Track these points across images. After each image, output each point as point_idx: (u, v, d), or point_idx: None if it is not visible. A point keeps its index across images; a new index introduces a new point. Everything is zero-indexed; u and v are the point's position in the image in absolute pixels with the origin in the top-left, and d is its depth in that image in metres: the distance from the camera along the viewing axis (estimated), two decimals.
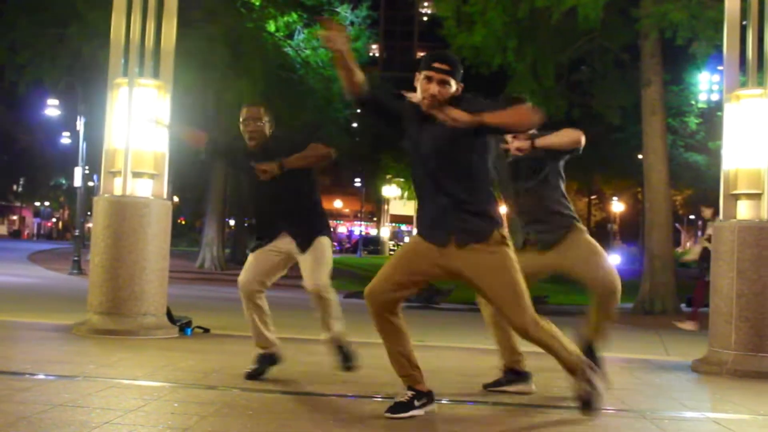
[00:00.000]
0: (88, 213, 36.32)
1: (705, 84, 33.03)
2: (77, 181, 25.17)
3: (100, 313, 7.31)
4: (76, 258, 23.64)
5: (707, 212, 12.91)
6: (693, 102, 32.84)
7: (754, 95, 6.91)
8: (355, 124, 55.89)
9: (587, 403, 4.24)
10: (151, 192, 7.61)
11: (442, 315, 15.60)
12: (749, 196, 6.84)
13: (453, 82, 4.13)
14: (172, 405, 4.30)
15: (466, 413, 4.62)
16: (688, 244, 36.39)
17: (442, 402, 4.74)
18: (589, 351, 5.07)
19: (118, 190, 7.52)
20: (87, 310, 7.45)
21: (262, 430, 3.81)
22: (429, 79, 4.10)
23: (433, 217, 4.21)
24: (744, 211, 6.87)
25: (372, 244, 64.49)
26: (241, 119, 5.33)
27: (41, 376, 4.97)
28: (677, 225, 41.92)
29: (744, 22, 7.09)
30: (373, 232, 73.16)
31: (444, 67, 4.11)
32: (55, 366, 5.44)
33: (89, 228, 31.82)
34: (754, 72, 7.03)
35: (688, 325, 13.00)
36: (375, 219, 74.32)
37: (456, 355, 7.57)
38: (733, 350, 6.63)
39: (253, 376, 5.20)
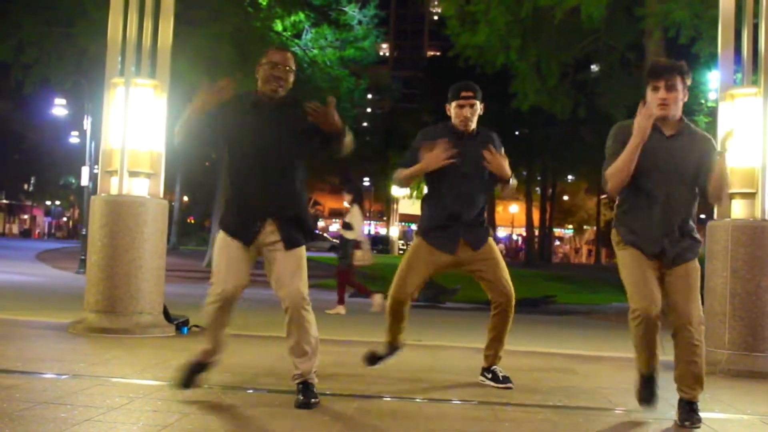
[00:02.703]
0: None
1: (715, 83, 32.86)
2: (84, 180, 25.26)
3: (96, 312, 7.35)
4: (83, 257, 23.70)
5: (347, 197, 12.85)
6: (702, 101, 32.68)
7: (748, 94, 6.91)
8: (365, 124, 56.03)
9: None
10: (148, 191, 7.65)
11: (447, 314, 15.59)
12: (743, 195, 6.83)
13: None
14: (156, 403, 4.33)
15: (451, 411, 4.64)
16: None
17: (433, 400, 4.76)
18: None
19: (114, 190, 7.57)
20: (83, 309, 7.50)
21: (242, 430, 3.84)
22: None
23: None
24: (738, 210, 6.87)
25: (381, 243, 64.50)
26: (265, 61, 4.56)
27: (30, 374, 5.01)
28: None
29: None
30: (382, 231, 73.15)
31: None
32: (45, 364, 5.47)
33: None
34: (749, 71, 7.03)
35: (340, 309, 12.61)
36: (384, 218, 74.36)
37: (451, 354, 7.58)
38: (727, 350, 6.63)
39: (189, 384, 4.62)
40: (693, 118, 31.52)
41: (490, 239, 5.49)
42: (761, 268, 6.61)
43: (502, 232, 74.30)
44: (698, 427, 4.28)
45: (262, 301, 12.04)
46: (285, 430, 3.94)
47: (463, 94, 5.27)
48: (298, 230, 4.54)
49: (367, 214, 68.23)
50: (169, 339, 7.31)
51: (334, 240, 64.28)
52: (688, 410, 4.34)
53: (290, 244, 4.47)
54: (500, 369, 5.49)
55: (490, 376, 5.48)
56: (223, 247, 4.51)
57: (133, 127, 7.57)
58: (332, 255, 49.60)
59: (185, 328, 7.85)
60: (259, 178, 4.48)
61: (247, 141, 4.50)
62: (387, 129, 56.49)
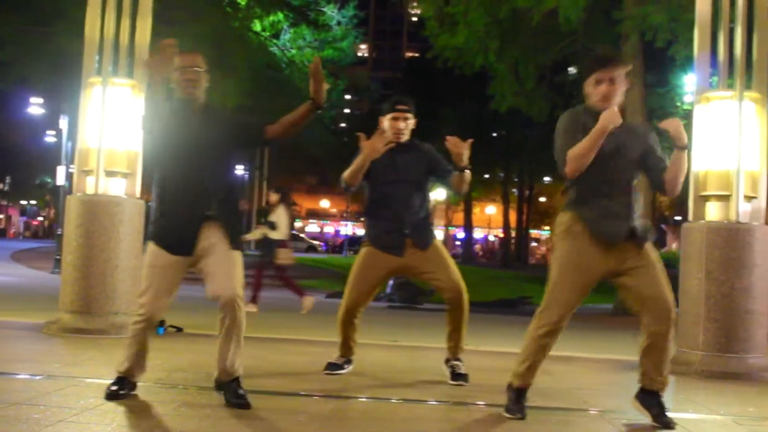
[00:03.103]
0: None
1: (690, 86, 33.08)
2: (60, 180, 25.11)
3: (71, 312, 7.29)
4: (58, 257, 23.55)
5: (273, 197, 12.84)
6: (678, 104, 32.88)
7: (723, 97, 6.96)
8: (342, 124, 55.95)
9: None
10: (124, 191, 7.60)
11: (424, 315, 15.60)
12: (718, 197, 6.88)
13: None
14: (131, 403, 4.30)
15: (427, 412, 4.64)
16: (674, 245, 36.55)
17: (408, 401, 4.77)
18: None
19: (90, 189, 7.51)
20: (58, 309, 7.44)
21: (216, 430, 3.82)
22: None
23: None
24: (713, 212, 6.91)
25: (358, 244, 64.46)
26: (177, 68, 4.40)
27: (3, 375, 4.96)
28: (663, 226, 41.98)
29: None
30: (359, 232, 73.08)
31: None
32: (19, 364, 5.43)
33: None
34: (725, 74, 7.08)
35: (251, 308, 12.14)
36: (362, 219, 74.35)
37: (426, 354, 7.58)
38: (701, 351, 6.68)
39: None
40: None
41: (436, 240, 5.66)
42: (735, 270, 6.66)
43: (478, 234, 74.44)
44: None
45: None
46: (261, 430, 3.93)
47: (399, 107, 5.55)
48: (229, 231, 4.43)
49: (344, 215, 68.19)
50: None
51: (313, 241, 64.36)
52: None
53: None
54: (461, 365, 5.60)
55: (449, 371, 5.59)
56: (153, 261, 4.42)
57: (110, 127, 7.51)
58: (311, 255, 49.64)
59: (161, 329, 7.77)
60: (184, 184, 4.40)
61: (171, 147, 4.44)
62: (365, 130, 56.37)
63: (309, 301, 12.61)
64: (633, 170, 4.39)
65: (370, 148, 5.23)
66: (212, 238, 4.36)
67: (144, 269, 4.46)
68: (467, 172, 5.35)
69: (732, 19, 7.07)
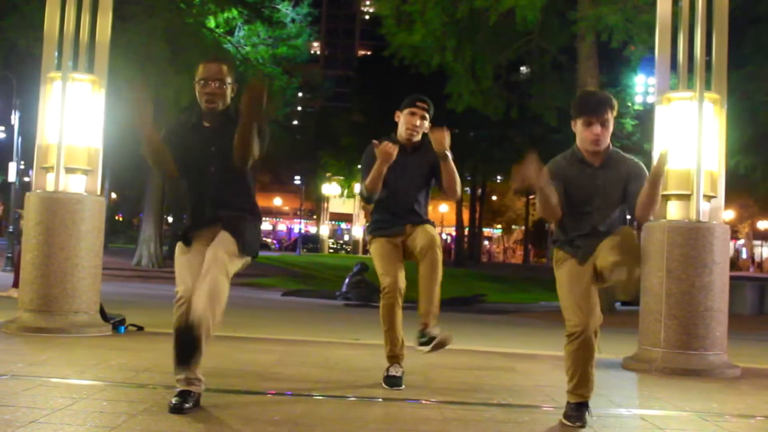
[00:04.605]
0: (23, 208, 35.54)
1: (641, 86, 33.54)
2: (11, 177, 24.71)
3: (30, 311, 7.17)
4: (9, 254, 23.17)
5: None
6: (629, 104, 33.31)
7: (684, 98, 7.06)
8: (295, 122, 55.74)
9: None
10: (85, 188, 7.49)
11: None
12: (679, 196, 6.97)
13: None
14: (101, 404, 4.24)
15: (399, 411, 4.64)
16: None
17: (378, 400, 4.76)
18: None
19: (50, 186, 7.39)
20: (17, 307, 7.31)
21: (191, 429, 3.78)
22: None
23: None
24: (674, 211, 7.01)
25: (311, 242, 64.34)
26: (198, 79, 4.46)
27: None
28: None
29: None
30: (312, 230, 72.97)
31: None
32: None
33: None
34: (685, 75, 7.18)
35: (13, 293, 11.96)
36: (315, 217, 74.18)
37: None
38: (662, 348, 6.76)
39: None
40: (620, 121, 32.21)
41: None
42: (695, 268, 6.76)
43: None
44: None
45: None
46: (233, 430, 3.90)
47: (418, 103, 5.48)
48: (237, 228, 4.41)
49: (298, 213, 67.98)
50: (106, 338, 7.17)
51: (265, 239, 63.95)
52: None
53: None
54: (429, 331, 5.26)
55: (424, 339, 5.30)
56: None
57: (71, 123, 7.40)
58: (264, 254, 49.35)
59: (122, 327, 7.71)
60: (203, 191, 4.47)
61: (189, 157, 4.44)
62: (318, 128, 56.32)
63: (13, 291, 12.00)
64: (613, 207, 4.47)
65: (385, 152, 5.19)
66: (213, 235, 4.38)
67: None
68: (449, 161, 5.31)
69: (692, 22, 7.17)
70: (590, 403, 4.38)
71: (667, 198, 7.04)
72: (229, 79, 4.48)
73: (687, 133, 6.96)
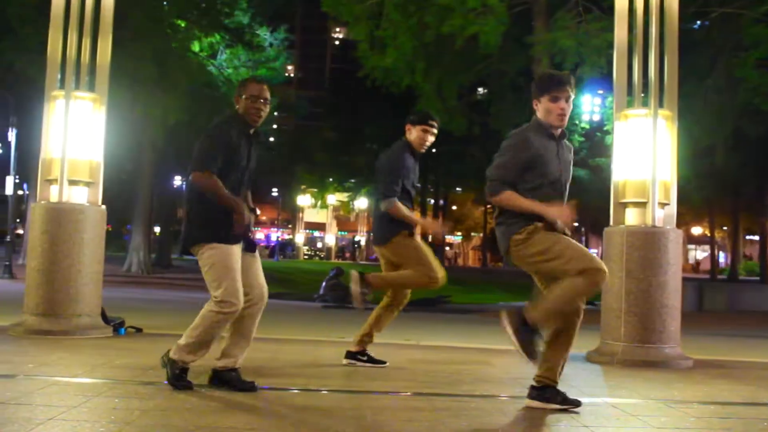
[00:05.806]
0: (18, 220, 35.13)
1: (588, 105, 33.78)
2: (8, 189, 24.39)
3: (36, 315, 7.04)
4: (7, 263, 22.84)
5: None
6: (577, 122, 33.56)
7: (639, 115, 7.10)
8: (272, 139, 55.53)
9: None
10: (87, 199, 7.37)
11: (355, 314, 15.52)
12: (636, 204, 7.01)
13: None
14: (114, 400, 4.14)
15: (392, 403, 4.59)
16: None
17: (373, 394, 4.70)
18: None
19: (54, 198, 7.27)
20: (23, 312, 7.15)
21: (202, 422, 3.70)
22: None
23: None
24: (631, 217, 7.04)
25: (290, 248, 64.11)
26: (248, 94, 4.61)
27: None
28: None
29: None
30: (288, 237, 72.60)
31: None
32: None
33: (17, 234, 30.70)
34: (639, 94, 7.21)
35: None
36: (290, 226, 73.86)
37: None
38: (623, 342, 6.78)
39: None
40: (570, 138, 32.36)
41: None
42: (652, 269, 6.79)
43: None
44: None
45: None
46: (241, 423, 3.82)
47: (430, 122, 5.96)
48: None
49: (275, 222, 67.67)
50: (108, 339, 7.05)
51: None
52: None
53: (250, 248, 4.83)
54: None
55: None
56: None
57: (73, 138, 7.29)
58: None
59: (122, 329, 7.59)
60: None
61: (237, 163, 4.61)
62: (293, 144, 56.10)
63: None
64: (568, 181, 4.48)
65: (431, 228, 6.39)
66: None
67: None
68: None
69: (646, 45, 7.21)
70: (562, 390, 4.40)
71: (625, 205, 7.08)
72: (269, 97, 4.71)
73: (643, 147, 7.00)
